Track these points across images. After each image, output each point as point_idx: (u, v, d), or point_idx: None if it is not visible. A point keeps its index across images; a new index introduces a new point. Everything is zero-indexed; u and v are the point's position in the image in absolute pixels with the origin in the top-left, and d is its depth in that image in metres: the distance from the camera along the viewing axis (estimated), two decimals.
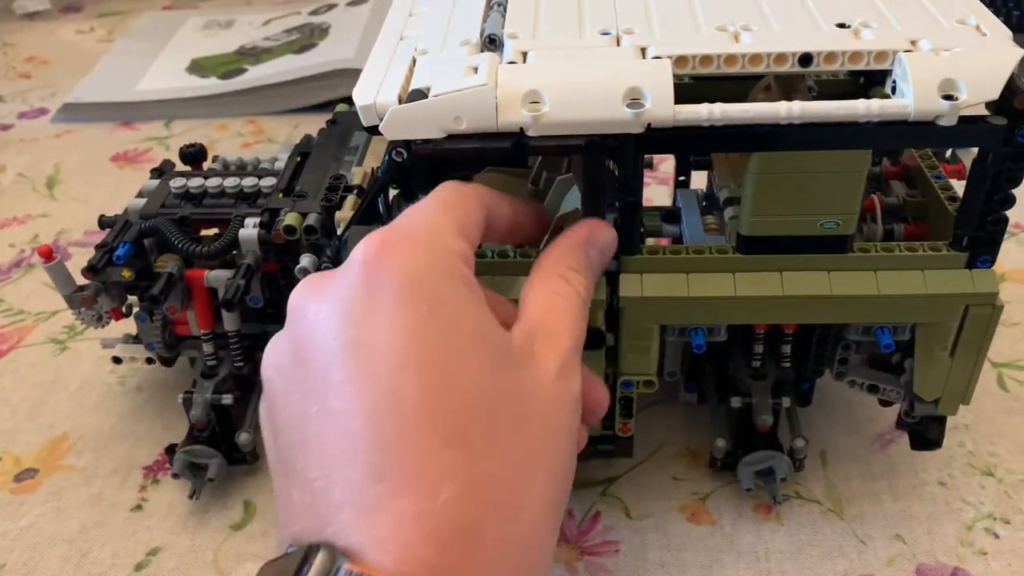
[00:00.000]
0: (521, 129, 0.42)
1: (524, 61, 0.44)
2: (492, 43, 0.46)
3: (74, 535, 0.55)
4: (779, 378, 0.53)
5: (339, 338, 0.31)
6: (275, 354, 0.34)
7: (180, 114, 1.07)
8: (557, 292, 0.38)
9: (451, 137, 0.42)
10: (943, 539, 0.52)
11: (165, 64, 1.17)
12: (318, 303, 0.33)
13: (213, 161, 0.63)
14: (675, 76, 0.42)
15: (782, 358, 0.53)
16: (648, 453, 0.58)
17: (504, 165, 0.55)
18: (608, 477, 0.57)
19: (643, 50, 0.43)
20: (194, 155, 0.62)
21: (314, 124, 0.63)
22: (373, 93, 0.43)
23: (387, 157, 0.43)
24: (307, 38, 1.17)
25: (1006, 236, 0.78)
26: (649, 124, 0.41)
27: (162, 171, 0.62)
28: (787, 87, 0.52)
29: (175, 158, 0.63)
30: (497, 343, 0.33)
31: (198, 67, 1.15)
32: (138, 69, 1.16)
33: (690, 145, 0.46)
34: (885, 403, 0.56)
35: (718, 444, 0.54)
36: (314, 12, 1.25)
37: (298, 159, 0.58)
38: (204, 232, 0.57)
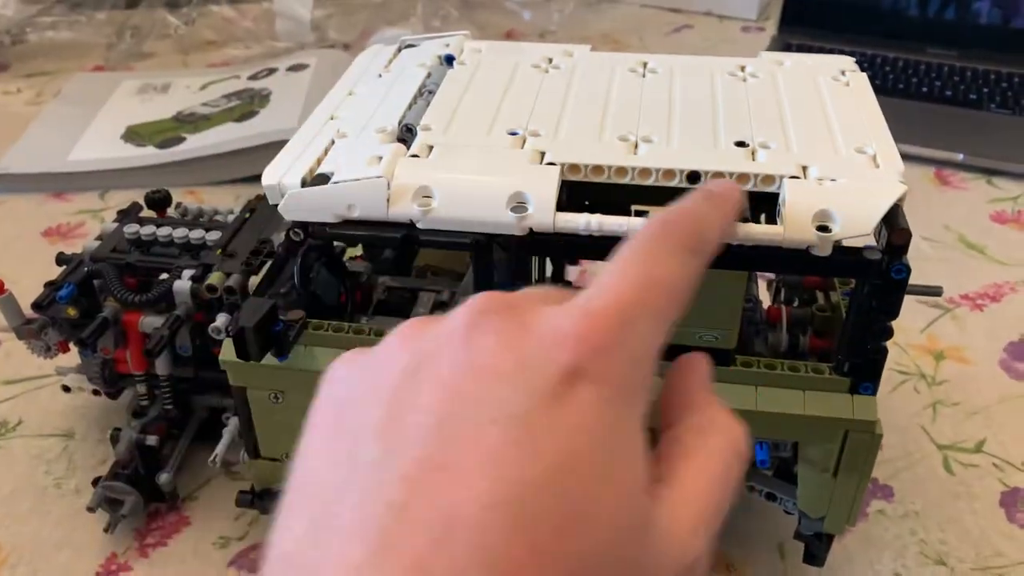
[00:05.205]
0: (411, 221, 0.43)
1: (428, 155, 0.45)
2: (409, 131, 0.48)
3: None
4: None
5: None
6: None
7: (116, 184, 0.99)
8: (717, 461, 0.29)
9: (347, 222, 0.44)
10: None
11: (99, 131, 1.09)
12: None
13: (176, 208, 0.67)
14: (568, 182, 0.44)
15: None
16: None
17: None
18: None
19: (542, 154, 0.45)
20: (159, 201, 0.66)
21: (256, 194, 0.59)
22: (280, 173, 0.45)
23: (285, 235, 0.45)
24: (247, 105, 1.11)
25: (941, 313, 0.76)
26: (531, 229, 0.42)
27: (127, 213, 0.65)
28: None
29: None
30: (640, 511, 0.26)
31: (134, 135, 1.08)
32: (70, 136, 1.08)
33: (572, 252, 0.47)
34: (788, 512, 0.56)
35: None
36: (253, 77, 1.18)
37: (246, 216, 0.61)
38: (162, 278, 0.60)
